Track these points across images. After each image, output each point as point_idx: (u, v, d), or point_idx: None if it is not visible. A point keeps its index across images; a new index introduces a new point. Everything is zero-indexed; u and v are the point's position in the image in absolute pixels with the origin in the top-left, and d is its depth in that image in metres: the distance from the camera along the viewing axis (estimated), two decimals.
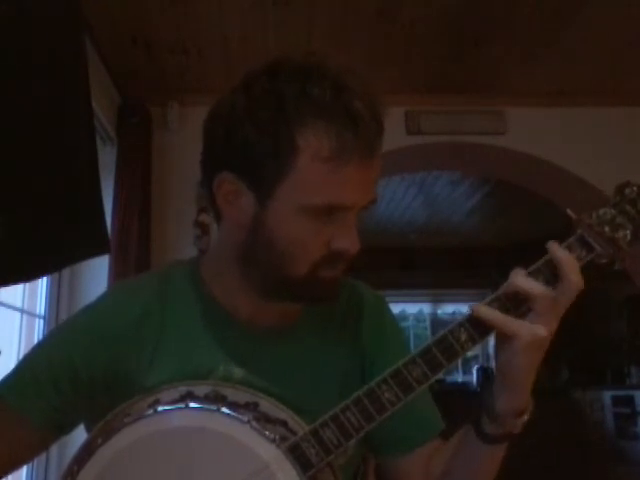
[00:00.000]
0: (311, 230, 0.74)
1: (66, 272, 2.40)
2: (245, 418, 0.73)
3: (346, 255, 0.76)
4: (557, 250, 0.72)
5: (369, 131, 0.72)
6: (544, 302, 0.69)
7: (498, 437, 0.74)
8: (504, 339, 0.71)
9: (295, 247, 0.75)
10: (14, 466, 0.84)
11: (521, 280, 0.71)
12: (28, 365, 0.84)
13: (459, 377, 6.17)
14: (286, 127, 0.71)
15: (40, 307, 2.32)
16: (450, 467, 0.82)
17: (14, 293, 2.13)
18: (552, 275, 0.71)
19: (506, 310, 0.71)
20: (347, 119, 0.71)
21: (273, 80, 0.73)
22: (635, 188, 0.77)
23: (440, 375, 0.74)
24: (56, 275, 2.38)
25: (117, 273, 2.31)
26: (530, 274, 0.72)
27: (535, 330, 0.69)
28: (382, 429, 0.75)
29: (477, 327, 0.72)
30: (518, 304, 0.71)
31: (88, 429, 0.84)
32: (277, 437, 0.72)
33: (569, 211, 0.75)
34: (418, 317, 6.58)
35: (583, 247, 0.74)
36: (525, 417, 0.74)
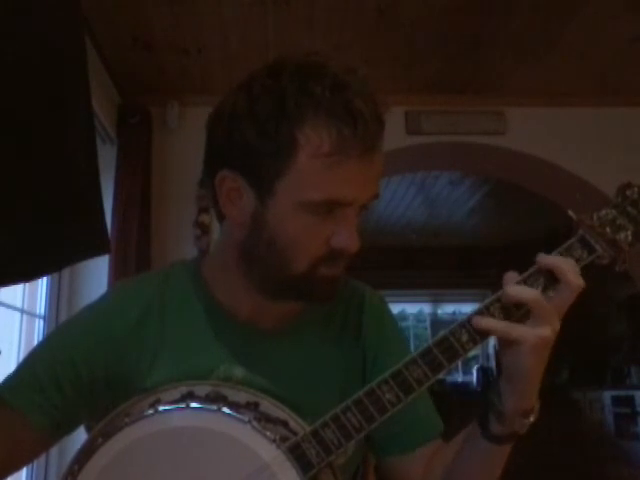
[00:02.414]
0: (311, 227, 0.74)
1: (66, 272, 2.40)
2: (246, 418, 0.73)
3: (346, 253, 0.76)
4: (545, 258, 0.71)
5: (369, 127, 0.72)
6: (540, 307, 0.69)
7: (504, 437, 0.74)
8: (508, 343, 0.70)
9: (295, 244, 0.75)
10: (15, 467, 0.84)
11: (512, 290, 0.70)
12: (29, 366, 0.84)
13: (459, 377, 6.17)
14: (286, 124, 0.71)
15: (40, 307, 2.32)
16: (454, 467, 0.81)
17: (14, 293, 2.12)
18: (551, 277, 0.71)
19: (508, 311, 0.71)
20: (347, 116, 0.71)
21: (274, 78, 0.74)
22: (636, 189, 0.76)
23: (441, 376, 0.74)
24: (56, 275, 2.38)
25: (117, 273, 2.31)
26: (526, 280, 0.71)
27: (539, 332, 0.68)
28: (383, 429, 0.75)
29: None
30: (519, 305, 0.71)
31: (88, 429, 0.84)
32: (277, 437, 0.72)
33: (570, 212, 0.75)
34: (418, 317, 6.58)
35: (584, 248, 0.73)
36: (532, 418, 0.73)
